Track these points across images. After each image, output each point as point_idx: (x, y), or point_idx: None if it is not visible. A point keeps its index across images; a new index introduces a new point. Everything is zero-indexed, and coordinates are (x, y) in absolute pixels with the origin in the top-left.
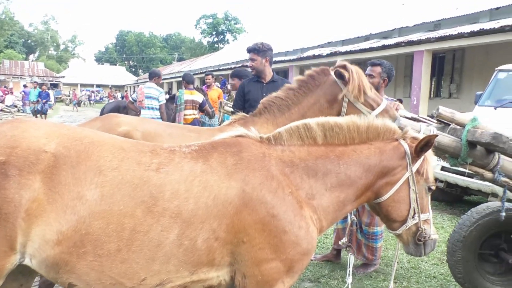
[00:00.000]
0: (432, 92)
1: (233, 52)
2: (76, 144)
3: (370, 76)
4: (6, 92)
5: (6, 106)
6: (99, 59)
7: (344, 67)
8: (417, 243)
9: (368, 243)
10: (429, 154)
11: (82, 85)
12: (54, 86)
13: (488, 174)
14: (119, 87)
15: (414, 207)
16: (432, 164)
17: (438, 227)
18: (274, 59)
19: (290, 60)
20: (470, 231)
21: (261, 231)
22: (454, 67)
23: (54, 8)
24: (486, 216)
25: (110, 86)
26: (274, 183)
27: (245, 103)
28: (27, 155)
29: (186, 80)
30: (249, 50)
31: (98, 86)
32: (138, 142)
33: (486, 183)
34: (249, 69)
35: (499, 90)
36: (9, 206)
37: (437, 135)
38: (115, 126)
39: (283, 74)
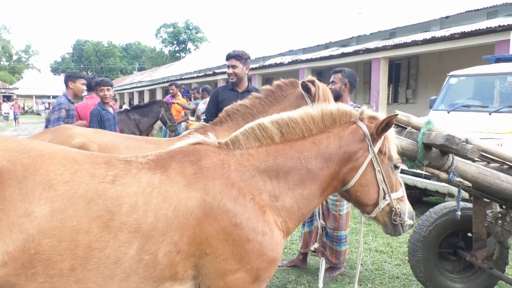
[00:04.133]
0: (390, 98)
1: (196, 61)
2: (22, 158)
3: (332, 82)
4: None
5: None
6: (55, 70)
7: (312, 82)
8: (393, 223)
9: (332, 246)
10: (390, 132)
11: (38, 97)
12: (7, 98)
13: (444, 175)
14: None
15: (383, 188)
16: (393, 141)
17: None
18: None
19: (252, 69)
20: (429, 231)
21: (224, 241)
22: (410, 74)
23: (6, 17)
24: (444, 215)
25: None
26: (234, 190)
27: (218, 111)
28: None
29: (208, 92)
30: (231, 57)
31: (54, 97)
32: (92, 153)
33: (443, 184)
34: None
35: (451, 95)
36: None
37: (397, 115)
38: (68, 138)
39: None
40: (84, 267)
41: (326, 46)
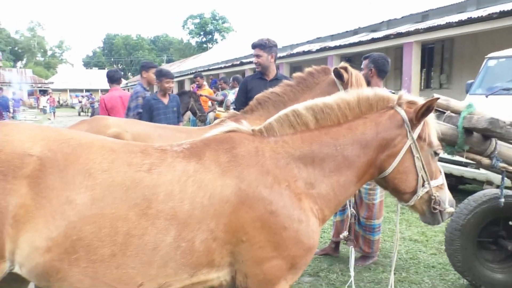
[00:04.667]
0: (422, 84)
1: (223, 52)
2: (62, 147)
3: (360, 70)
4: None
5: None
6: (87, 64)
7: (345, 68)
8: (432, 212)
9: (365, 235)
10: (430, 117)
11: (72, 90)
12: (43, 92)
13: (486, 161)
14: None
15: (422, 175)
16: (434, 126)
17: None
18: None
19: (280, 57)
20: (468, 219)
21: (260, 228)
22: (444, 58)
23: (40, 14)
24: (484, 203)
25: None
26: (269, 178)
27: (247, 100)
28: (11, 159)
29: (238, 81)
30: (255, 46)
31: (87, 90)
32: (128, 142)
33: (482, 171)
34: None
35: (489, 78)
36: None
37: (438, 98)
38: (104, 128)
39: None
40: (124, 253)
41: (355, 32)
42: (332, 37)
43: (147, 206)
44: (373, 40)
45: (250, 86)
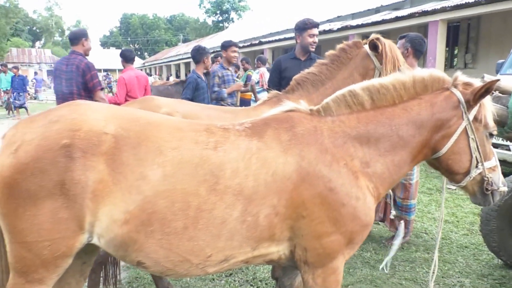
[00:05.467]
0: (446, 63)
1: (240, 31)
2: (134, 126)
3: None
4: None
5: None
6: (104, 44)
7: (378, 39)
8: (484, 193)
9: (401, 215)
10: (486, 99)
11: None
12: None
13: None
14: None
15: (476, 156)
16: (490, 108)
17: (463, 199)
18: (282, 37)
19: None
20: (505, 200)
21: (320, 205)
22: (470, 36)
23: None
24: None
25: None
26: (328, 156)
27: (281, 80)
28: (89, 137)
29: (262, 61)
30: (314, 26)
31: (105, 70)
32: (191, 121)
33: None
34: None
35: None
36: (77, 188)
37: (498, 80)
38: (155, 108)
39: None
40: (195, 226)
41: (377, 10)
42: (353, 16)
43: (215, 182)
44: (397, 19)
45: (284, 66)
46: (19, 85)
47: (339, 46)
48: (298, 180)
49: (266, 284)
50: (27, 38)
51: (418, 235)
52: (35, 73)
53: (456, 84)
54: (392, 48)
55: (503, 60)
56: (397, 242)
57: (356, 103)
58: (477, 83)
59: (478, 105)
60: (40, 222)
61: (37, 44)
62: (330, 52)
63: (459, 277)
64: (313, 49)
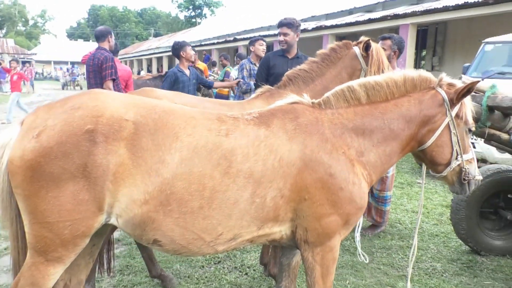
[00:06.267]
0: (415, 65)
1: (214, 27)
2: (151, 113)
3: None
4: None
5: None
6: (71, 35)
7: (369, 41)
8: (462, 182)
9: (377, 206)
10: (467, 98)
11: (56, 62)
12: (26, 63)
13: (505, 136)
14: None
15: (456, 149)
16: (470, 106)
17: (431, 192)
18: (257, 34)
19: (274, 35)
20: (473, 191)
21: (321, 189)
22: (437, 40)
23: None
24: (487, 177)
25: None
26: (328, 145)
27: (269, 76)
28: (111, 123)
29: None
30: (283, 24)
31: (72, 63)
32: (202, 110)
33: (477, 149)
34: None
35: (485, 62)
36: (98, 170)
37: (478, 81)
38: (156, 99)
39: (268, 49)
40: (209, 206)
41: (350, 11)
42: (327, 16)
43: (228, 166)
44: (370, 21)
45: (272, 62)
46: None
47: (330, 45)
48: (301, 166)
49: (254, 270)
50: None
51: (392, 225)
52: None
53: (441, 84)
54: (378, 51)
55: (469, 64)
56: (358, 234)
57: (353, 98)
58: (459, 83)
59: (460, 103)
60: (62, 203)
61: None
62: (321, 51)
63: (431, 262)
64: (283, 47)
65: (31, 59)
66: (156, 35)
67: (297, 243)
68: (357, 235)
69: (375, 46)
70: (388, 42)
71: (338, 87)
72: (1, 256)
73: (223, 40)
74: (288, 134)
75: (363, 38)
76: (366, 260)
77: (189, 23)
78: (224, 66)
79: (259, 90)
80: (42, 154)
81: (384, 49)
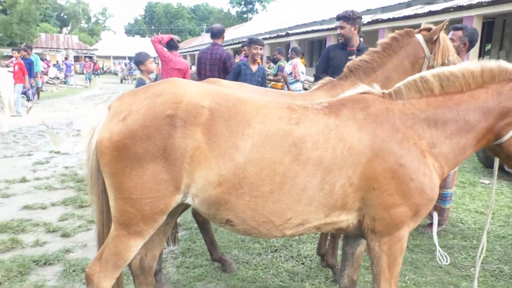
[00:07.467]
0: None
1: (265, 22)
2: (225, 101)
3: (451, 40)
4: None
5: (50, 78)
6: (129, 32)
7: (429, 29)
8: None
9: (436, 203)
10: None
11: (115, 57)
12: (89, 58)
13: None
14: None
15: None
16: None
17: (497, 193)
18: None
19: (327, 29)
20: None
21: (390, 178)
22: (504, 33)
23: None
24: None
25: None
26: (399, 135)
27: (328, 68)
28: (189, 109)
29: (296, 52)
30: (339, 18)
31: (129, 58)
32: (272, 99)
33: None
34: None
35: None
36: (177, 153)
37: None
38: None
39: (320, 43)
40: (280, 191)
41: (408, 4)
42: (383, 9)
43: (298, 153)
44: (431, 13)
45: (332, 55)
46: (27, 69)
47: (391, 35)
48: (371, 155)
49: (310, 260)
50: (55, 24)
51: (454, 225)
52: (65, 58)
53: None
54: (444, 38)
55: None
56: (434, 232)
57: (426, 88)
58: None
59: None
60: (144, 182)
61: (64, 30)
62: (382, 40)
63: (497, 264)
64: (341, 40)
65: (92, 54)
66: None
67: (363, 232)
68: (434, 234)
69: (442, 33)
70: (459, 33)
71: (410, 77)
72: (76, 233)
73: (275, 35)
74: (358, 123)
75: (426, 25)
76: (447, 262)
77: (241, 18)
78: (278, 60)
79: (320, 82)
80: (128, 136)
81: (453, 40)
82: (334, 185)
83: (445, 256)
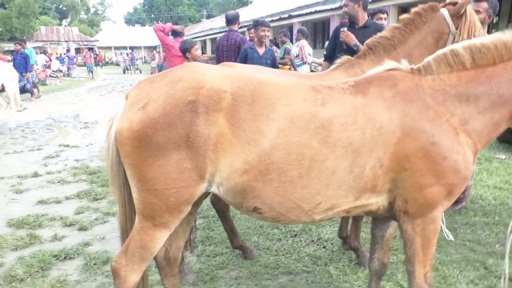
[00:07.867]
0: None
1: (267, 5)
2: (247, 84)
3: (476, 12)
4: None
5: (53, 71)
6: (129, 21)
7: (455, 3)
8: None
9: None
10: None
11: (116, 48)
12: (90, 50)
13: None
14: (152, 48)
15: None
16: None
17: None
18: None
19: (331, 9)
20: None
21: (423, 158)
22: None
23: None
24: None
25: (142, 47)
26: (430, 112)
27: (336, 46)
28: (211, 94)
29: (303, 34)
30: None
31: (131, 48)
32: (295, 80)
33: None
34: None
35: None
36: (200, 140)
37: None
38: None
39: (323, 24)
40: (308, 175)
41: None
42: None
43: (326, 135)
44: None
45: (339, 33)
46: (20, 64)
47: (414, 9)
48: (402, 134)
49: (331, 244)
50: (54, 17)
51: (474, 202)
52: (67, 50)
53: None
54: (471, 13)
55: None
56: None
57: (457, 62)
58: None
59: None
60: (167, 172)
61: (64, 22)
62: (404, 15)
63: None
64: (346, 18)
65: (94, 45)
66: (209, 16)
67: (395, 214)
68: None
69: (468, 7)
70: (485, 4)
71: (440, 51)
72: (93, 226)
73: (278, 17)
74: (386, 102)
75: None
76: (452, 238)
77: (241, 2)
78: (283, 43)
79: (338, 61)
80: (148, 125)
81: (479, 12)
82: (364, 168)
83: (448, 233)
